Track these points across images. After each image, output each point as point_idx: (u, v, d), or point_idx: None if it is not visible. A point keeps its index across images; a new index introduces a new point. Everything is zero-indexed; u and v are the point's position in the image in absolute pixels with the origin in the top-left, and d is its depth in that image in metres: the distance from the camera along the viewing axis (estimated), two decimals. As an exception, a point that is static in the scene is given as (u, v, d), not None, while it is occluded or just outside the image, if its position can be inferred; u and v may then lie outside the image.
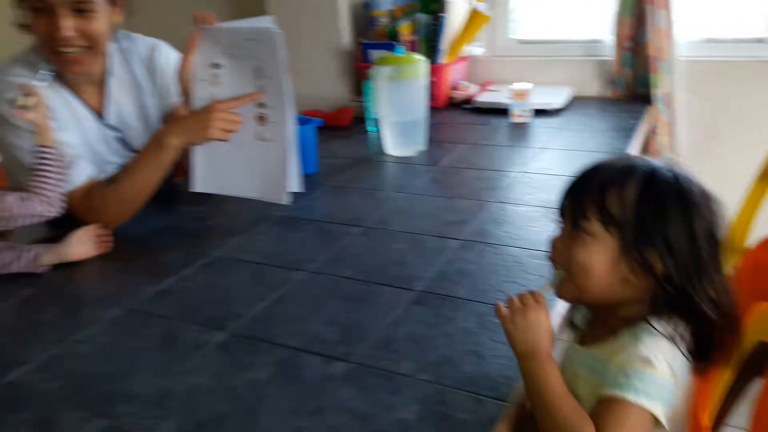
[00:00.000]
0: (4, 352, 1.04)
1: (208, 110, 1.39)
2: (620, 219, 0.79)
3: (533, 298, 0.82)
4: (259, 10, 2.39)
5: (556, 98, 2.32)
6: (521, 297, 0.83)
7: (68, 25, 1.36)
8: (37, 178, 1.31)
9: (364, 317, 1.07)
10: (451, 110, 2.51)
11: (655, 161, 0.83)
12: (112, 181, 1.51)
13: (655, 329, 0.78)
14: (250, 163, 1.47)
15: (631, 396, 0.74)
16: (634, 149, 1.90)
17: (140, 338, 1.05)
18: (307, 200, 1.62)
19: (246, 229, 1.47)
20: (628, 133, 2.01)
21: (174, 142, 1.42)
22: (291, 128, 1.43)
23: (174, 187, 1.72)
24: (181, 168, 1.57)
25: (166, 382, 0.93)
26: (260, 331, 1.05)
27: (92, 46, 1.43)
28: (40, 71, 1.44)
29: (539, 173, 1.72)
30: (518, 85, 2.21)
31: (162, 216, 1.60)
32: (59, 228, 1.40)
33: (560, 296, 0.88)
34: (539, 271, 1.17)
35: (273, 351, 0.99)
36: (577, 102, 2.39)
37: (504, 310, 0.83)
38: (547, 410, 0.76)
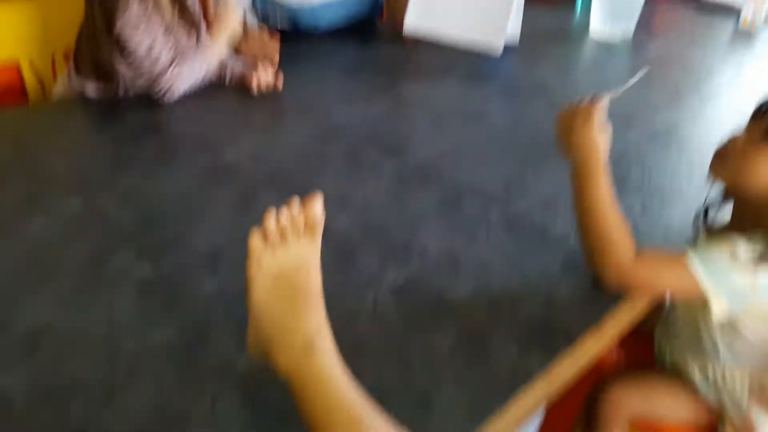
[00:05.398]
0: (221, 139, 1.23)
1: None
2: None
3: (588, 104, 0.83)
4: None
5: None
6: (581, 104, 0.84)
7: None
8: None
9: (529, 177, 1.12)
10: (672, 3, 2.30)
11: None
12: None
13: None
14: (470, 8, 1.49)
15: (691, 254, 0.78)
16: None
17: (329, 149, 1.19)
18: (495, 61, 1.63)
19: (432, 78, 1.54)
20: None
21: None
22: None
23: (375, 27, 1.80)
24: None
25: (346, 187, 1.06)
26: (431, 167, 1.14)
27: None
28: None
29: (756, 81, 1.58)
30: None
31: (359, 51, 1.70)
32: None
33: (713, 174, 0.87)
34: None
35: (440, 185, 1.08)
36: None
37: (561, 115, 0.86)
38: (595, 218, 0.81)
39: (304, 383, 0.55)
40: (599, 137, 0.83)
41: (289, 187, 1.06)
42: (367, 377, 0.57)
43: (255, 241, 0.56)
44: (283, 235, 0.57)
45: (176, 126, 1.26)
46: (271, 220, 0.56)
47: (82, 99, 1.36)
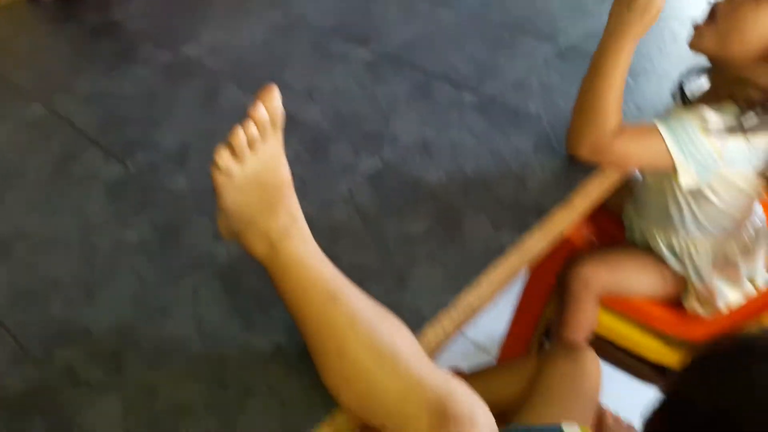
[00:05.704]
0: (181, 34, 1.18)
1: None
2: None
3: None
4: None
5: None
6: None
7: None
8: None
9: (502, 60, 1.09)
10: None
11: None
12: None
13: (747, 121, 0.79)
14: None
15: (662, 126, 0.79)
16: None
17: (294, 40, 1.15)
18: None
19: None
20: None
21: None
22: None
23: None
24: None
25: (315, 79, 1.04)
26: (402, 54, 1.11)
27: None
28: None
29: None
30: None
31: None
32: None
33: (696, 45, 0.86)
34: None
35: (411, 71, 1.06)
36: None
37: None
38: (604, 80, 0.79)
39: (280, 267, 0.56)
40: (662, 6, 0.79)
41: (254, 80, 1.03)
42: (344, 261, 0.59)
43: (223, 157, 0.52)
44: (251, 144, 0.53)
45: (133, 23, 1.20)
46: (239, 136, 0.52)
47: (34, 1, 1.28)
